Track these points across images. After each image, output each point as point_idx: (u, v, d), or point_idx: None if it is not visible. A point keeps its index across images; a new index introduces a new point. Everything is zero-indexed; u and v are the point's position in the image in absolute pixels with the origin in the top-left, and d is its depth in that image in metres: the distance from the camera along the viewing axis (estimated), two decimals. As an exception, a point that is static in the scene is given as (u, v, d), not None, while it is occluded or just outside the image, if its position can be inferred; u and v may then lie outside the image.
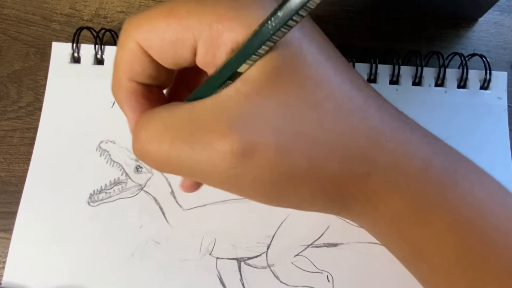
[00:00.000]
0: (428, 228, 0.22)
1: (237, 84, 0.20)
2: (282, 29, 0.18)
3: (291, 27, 0.18)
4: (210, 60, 0.21)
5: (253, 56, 0.19)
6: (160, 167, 0.22)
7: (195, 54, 0.21)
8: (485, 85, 0.35)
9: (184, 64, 0.22)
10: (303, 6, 0.17)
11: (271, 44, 0.19)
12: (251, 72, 0.20)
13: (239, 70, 0.20)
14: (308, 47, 0.21)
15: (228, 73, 0.20)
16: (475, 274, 0.22)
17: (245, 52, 0.19)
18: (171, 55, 0.21)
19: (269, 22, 0.18)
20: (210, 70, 0.22)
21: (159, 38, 0.21)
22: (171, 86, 0.26)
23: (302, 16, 0.17)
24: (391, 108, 0.23)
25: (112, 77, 0.23)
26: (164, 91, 0.26)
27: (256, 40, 0.19)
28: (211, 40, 0.20)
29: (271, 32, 0.18)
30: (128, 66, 0.22)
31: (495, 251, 0.22)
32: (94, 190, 0.32)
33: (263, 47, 0.19)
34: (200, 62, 0.21)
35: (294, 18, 0.17)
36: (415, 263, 0.24)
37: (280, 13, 0.17)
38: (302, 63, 0.20)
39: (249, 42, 0.19)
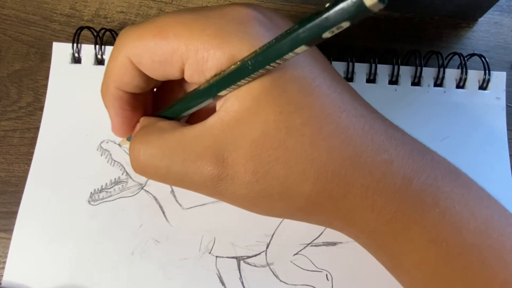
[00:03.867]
0: (407, 243, 0.23)
1: (221, 113, 0.22)
2: (260, 70, 0.20)
3: (269, 70, 0.20)
4: (195, 81, 0.23)
5: (233, 86, 0.21)
6: (160, 182, 0.25)
7: (182, 73, 0.23)
8: (484, 85, 0.35)
9: (173, 78, 0.24)
10: (279, 57, 0.19)
11: (250, 79, 0.21)
12: (233, 102, 0.22)
13: (220, 94, 0.22)
14: (292, 71, 0.22)
15: (209, 96, 0.22)
16: None
17: (226, 82, 0.21)
18: (160, 72, 0.23)
19: (249, 62, 0.20)
20: (197, 85, 0.23)
21: (149, 56, 0.22)
22: (163, 83, 0.28)
23: (279, 64, 0.19)
24: (378, 124, 0.23)
25: (102, 81, 0.25)
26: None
27: (236, 74, 0.21)
28: (197, 66, 0.22)
29: (250, 71, 0.20)
30: (117, 77, 0.24)
31: (472, 268, 0.22)
32: (94, 189, 0.32)
33: (242, 80, 0.21)
34: (188, 80, 0.23)
35: (271, 64, 0.19)
36: (397, 273, 0.25)
37: (260, 58, 0.19)
38: (282, 89, 0.21)
39: (229, 74, 0.21)
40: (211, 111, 0.23)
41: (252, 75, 0.20)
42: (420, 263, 0.23)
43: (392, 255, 0.24)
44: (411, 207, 0.22)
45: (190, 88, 0.26)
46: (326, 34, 0.17)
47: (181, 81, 0.27)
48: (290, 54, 0.18)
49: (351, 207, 0.22)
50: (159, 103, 0.28)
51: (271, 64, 0.19)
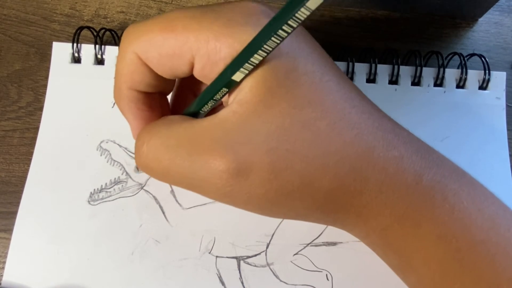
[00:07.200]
0: (416, 241, 0.23)
1: (233, 106, 0.21)
2: (272, 39, 0.19)
3: (282, 37, 0.19)
4: (207, 74, 0.22)
5: (247, 64, 0.20)
6: (162, 180, 0.24)
7: (192, 67, 0.22)
8: (484, 85, 0.35)
9: (182, 75, 0.23)
10: (291, 17, 0.18)
11: (264, 54, 0.20)
12: (246, 93, 0.21)
13: (233, 78, 0.21)
14: (304, 65, 0.21)
15: (224, 81, 0.21)
16: (461, 287, 0.22)
17: (239, 61, 0.20)
18: (169, 67, 0.22)
19: (262, 31, 0.19)
20: (207, 81, 0.22)
21: (157, 51, 0.22)
22: (176, 90, 0.27)
23: (293, 27, 0.18)
24: (385, 122, 0.23)
25: (114, 85, 0.24)
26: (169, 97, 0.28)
27: (250, 49, 0.20)
28: (208, 57, 0.21)
29: (264, 41, 0.19)
30: (128, 76, 0.23)
31: (480, 265, 0.22)
32: (94, 189, 0.32)
33: (256, 55, 0.20)
34: (198, 75, 0.22)
35: (284, 28, 0.18)
36: (404, 273, 0.25)
37: (272, 22, 0.18)
38: (296, 82, 0.21)
39: (243, 51, 0.20)
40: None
41: (265, 46, 0.19)
42: (429, 260, 0.23)
43: (400, 253, 0.24)
44: (422, 203, 0.22)
45: None
46: None
47: (195, 88, 0.26)
48: (303, 10, 0.17)
49: (366, 203, 0.22)
50: (176, 113, 0.27)
51: (284, 28, 0.18)
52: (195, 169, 0.21)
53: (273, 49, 0.19)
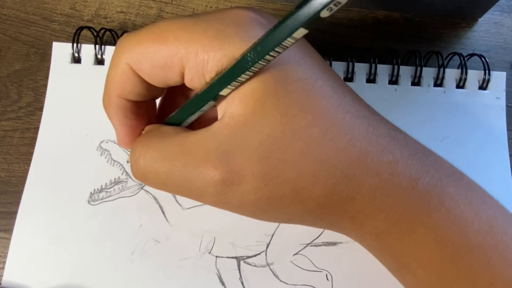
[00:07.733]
0: (413, 244, 0.23)
1: (225, 119, 0.22)
2: (260, 62, 0.19)
3: (269, 60, 0.19)
4: (196, 84, 0.22)
5: (234, 82, 0.21)
6: (159, 189, 0.24)
7: (183, 77, 0.23)
8: (484, 85, 0.35)
9: (174, 84, 0.23)
10: (279, 44, 0.18)
11: (251, 73, 0.20)
12: (237, 106, 0.21)
13: (221, 93, 0.21)
14: (295, 72, 0.22)
15: (210, 96, 0.22)
16: None
17: (226, 79, 0.21)
18: (161, 77, 0.23)
19: (249, 54, 0.19)
20: (197, 90, 0.23)
21: (149, 62, 0.22)
22: (166, 93, 0.28)
23: (279, 52, 0.19)
24: (381, 126, 0.23)
25: (103, 91, 0.25)
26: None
27: (236, 69, 0.20)
28: (197, 69, 0.21)
29: (250, 64, 0.20)
30: (119, 85, 0.24)
31: (477, 268, 0.22)
32: (94, 189, 0.32)
33: (243, 75, 0.20)
34: (188, 84, 0.23)
35: (271, 54, 0.19)
36: (402, 275, 0.25)
37: (258, 48, 0.19)
38: (286, 90, 0.21)
39: (229, 70, 0.20)
40: (215, 120, 0.23)
41: (252, 68, 0.20)
42: (426, 264, 0.23)
43: (397, 256, 0.24)
44: (418, 207, 0.22)
45: None
46: (325, 13, 0.16)
47: (185, 91, 0.27)
48: (289, 40, 0.18)
49: (360, 209, 0.22)
50: (164, 114, 0.28)
51: (271, 54, 0.19)
52: (191, 179, 0.22)
53: (259, 69, 0.20)
